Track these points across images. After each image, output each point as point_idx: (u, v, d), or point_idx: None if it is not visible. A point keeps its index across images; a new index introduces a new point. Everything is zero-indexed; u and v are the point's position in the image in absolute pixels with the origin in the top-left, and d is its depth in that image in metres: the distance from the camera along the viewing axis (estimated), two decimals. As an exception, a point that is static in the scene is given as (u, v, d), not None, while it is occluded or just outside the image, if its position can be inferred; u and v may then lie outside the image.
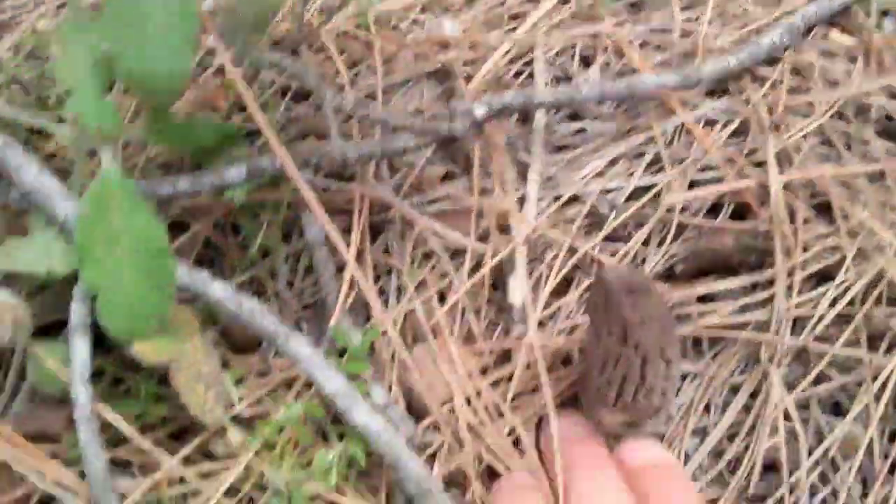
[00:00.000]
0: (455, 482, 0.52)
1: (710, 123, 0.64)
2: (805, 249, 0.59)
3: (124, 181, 0.46)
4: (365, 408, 0.49)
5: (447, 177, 0.63)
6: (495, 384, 0.55)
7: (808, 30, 0.69)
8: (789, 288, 0.58)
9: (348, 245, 0.56)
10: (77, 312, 0.50)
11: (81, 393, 0.48)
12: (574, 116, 0.66)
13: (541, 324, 0.56)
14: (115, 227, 0.45)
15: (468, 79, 0.66)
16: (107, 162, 0.47)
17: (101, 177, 0.46)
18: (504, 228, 0.59)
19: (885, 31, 0.70)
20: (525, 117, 0.65)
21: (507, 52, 0.68)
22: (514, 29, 0.70)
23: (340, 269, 0.58)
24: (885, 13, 0.71)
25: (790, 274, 0.58)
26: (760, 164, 0.62)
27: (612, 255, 0.59)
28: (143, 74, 0.45)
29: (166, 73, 0.45)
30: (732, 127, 0.64)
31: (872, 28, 0.69)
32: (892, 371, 0.56)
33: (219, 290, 0.51)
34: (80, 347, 0.48)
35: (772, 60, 0.67)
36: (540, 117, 0.64)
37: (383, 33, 0.69)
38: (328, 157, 0.55)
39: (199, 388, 0.53)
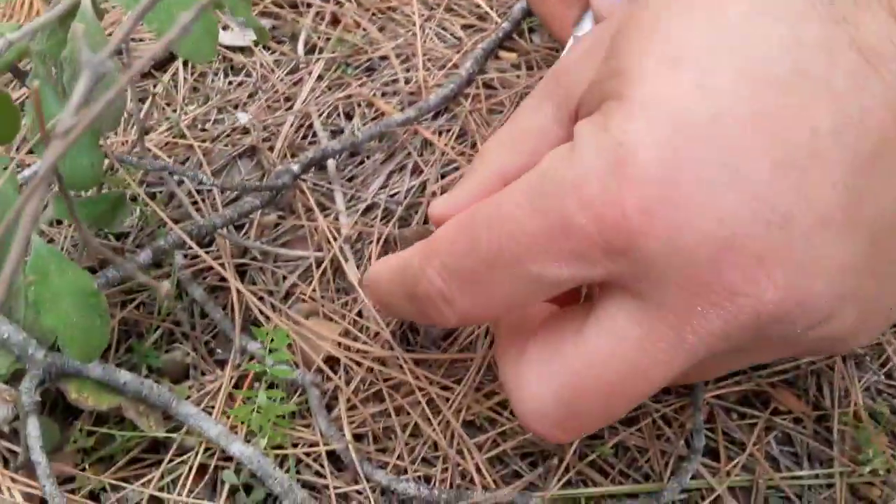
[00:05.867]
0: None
1: (441, 133, 0.94)
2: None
3: (51, 249, 0.64)
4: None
5: (279, 220, 0.87)
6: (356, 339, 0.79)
7: (486, 57, 1.02)
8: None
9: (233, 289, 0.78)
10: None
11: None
12: (353, 154, 0.92)
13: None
14: (56, 284, 0.63)
15: (271, 149, 0.91)
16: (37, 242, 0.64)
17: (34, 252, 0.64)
18: (330, 239, 0.84)
19: (534, 43, 1.04)
20: (320, 165, 0.91)
21: (292, 124, 0.94)
22: (291, 107, 0.96)
23: (224, 307, 0.79)
24: (531, 30, 1.05)
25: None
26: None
27: (407, 229, 0.86)
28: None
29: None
30: (457, 131, 0.94)
31: (527, 43, 1.02)
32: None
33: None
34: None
35: (469, 82, 0.98)
36: (331, 162, 0.90)
37: (195, 134, 0.92)
38: (201, 227, 0.78)
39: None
